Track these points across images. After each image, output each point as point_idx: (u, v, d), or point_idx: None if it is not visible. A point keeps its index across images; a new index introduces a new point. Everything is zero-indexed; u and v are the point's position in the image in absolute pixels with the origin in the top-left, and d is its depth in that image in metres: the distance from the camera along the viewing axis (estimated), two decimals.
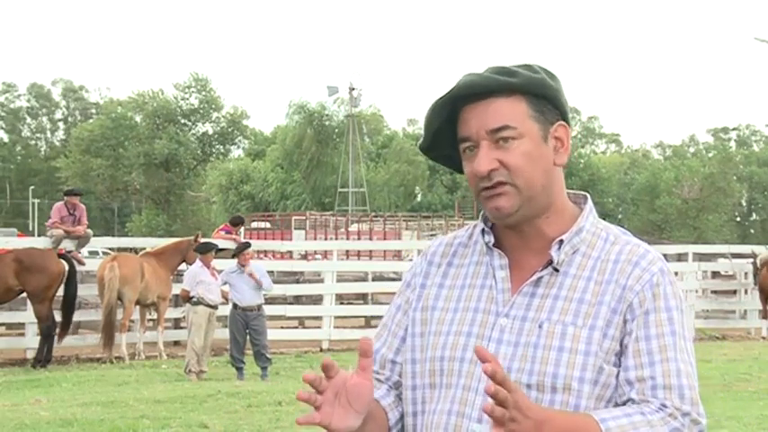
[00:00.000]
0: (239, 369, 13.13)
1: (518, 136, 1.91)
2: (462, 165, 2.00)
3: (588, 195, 2.06)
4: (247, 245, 13.71)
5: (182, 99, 63.43)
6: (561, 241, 1.95)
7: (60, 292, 14.74)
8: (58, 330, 14.58)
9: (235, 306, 13.03)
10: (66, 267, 14.72)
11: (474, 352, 1.85)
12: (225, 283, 13.19)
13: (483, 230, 2.02)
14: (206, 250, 13.33)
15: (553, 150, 1.96)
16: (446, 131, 1.99)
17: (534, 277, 1.94)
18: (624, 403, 1.89)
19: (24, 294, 14.84)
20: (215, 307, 13.21)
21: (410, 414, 2.01)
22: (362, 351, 1.80)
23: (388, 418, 2.03)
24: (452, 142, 1.99)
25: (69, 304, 14.70)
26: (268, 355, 13.23)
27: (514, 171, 1.90)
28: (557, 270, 1.95)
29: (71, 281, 14.71)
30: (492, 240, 2.00)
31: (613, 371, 1.89)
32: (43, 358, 14.35)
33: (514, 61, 2.02)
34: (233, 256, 13.84)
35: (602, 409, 1.87)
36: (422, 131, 2.04)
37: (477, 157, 1.92)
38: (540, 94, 1.94)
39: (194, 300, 12.95)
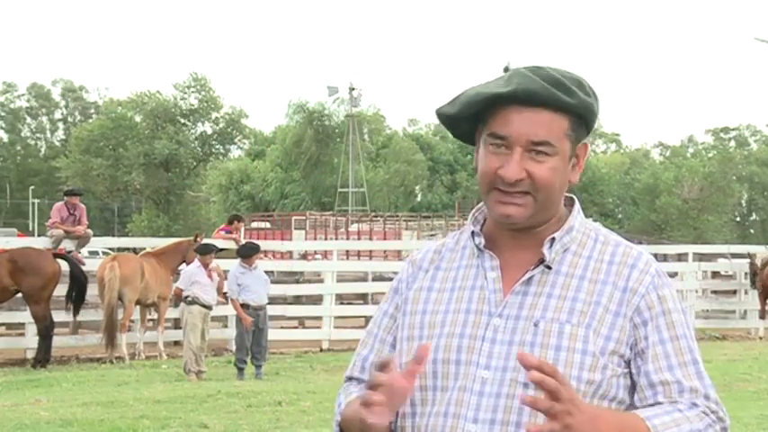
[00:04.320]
0: (241, 369, 13.15)
1: (553, 153, 1.91)
2: (475, 143, 1.98)
3: (575, 198, 2.07)
4: (257, 249, 13.65)
5: (181, 99, 63.54)
6: (553, 239, 1.95)
7: (63, 291, 14.74)
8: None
9: (246, 306, 13.01)
10: (67, 267, 14.71)
11: (464, 354, 1.89)
12: (239, 284, 13.07)
13: (473, 233, 2.01)
14: (206, 251, 13.35)
15: (570, 167, 1.97)
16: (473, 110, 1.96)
17: (526, 276, 1.94)
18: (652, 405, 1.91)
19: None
20: (209, 307, 13.25)
21: (403, 416, 1.98)
22: (419, 357, 1.82)
23: None
24: (472, 120, 1.97)
25: (77, 302, 14.75)
26: (267, 355, 13.36)
27: (539, 184, 1.90)
28: (549, 268, 1.94)
29: (75, 280, 14.68)
30: (482, 242, 1.99)
31: (617, 371, 1.90)
32: (42, 358, 14.35)
33: (532, 61, 2.00)
34: (243, 257, 13.46)
35: (641, 408, 1.89)
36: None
37: (507, 161, 1.89)
38: (583, 117, 1.95)
39: (189, 299, 12.97)
